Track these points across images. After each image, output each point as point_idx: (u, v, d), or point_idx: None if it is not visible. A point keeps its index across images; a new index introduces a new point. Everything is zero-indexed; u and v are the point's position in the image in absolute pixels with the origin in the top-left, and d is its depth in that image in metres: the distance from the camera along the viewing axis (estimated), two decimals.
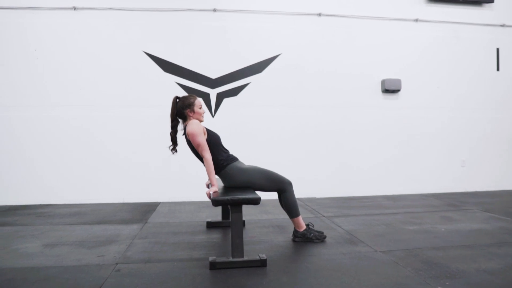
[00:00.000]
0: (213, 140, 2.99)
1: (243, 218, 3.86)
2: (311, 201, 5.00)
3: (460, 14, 5.66)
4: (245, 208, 4.52)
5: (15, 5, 4.83)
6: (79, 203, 4.88)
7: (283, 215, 4.26)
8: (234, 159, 3.08)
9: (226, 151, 3.10)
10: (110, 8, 5.00)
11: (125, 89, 5.05)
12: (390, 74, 5.47)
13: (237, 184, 3.00)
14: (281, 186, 3.06)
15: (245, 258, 2.55)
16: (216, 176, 3.03)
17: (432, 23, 5.56)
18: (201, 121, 3.05)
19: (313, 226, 3.24)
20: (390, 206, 4.66)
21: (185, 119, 3.04)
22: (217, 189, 2.85)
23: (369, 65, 5.47)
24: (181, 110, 3.01)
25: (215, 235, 3.41)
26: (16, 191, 4.88)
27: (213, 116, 5.26)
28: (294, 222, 3.16)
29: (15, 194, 4.86)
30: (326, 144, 5.41)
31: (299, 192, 5.23)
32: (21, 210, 4.55)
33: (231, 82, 5.29)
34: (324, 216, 4.11)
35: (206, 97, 5.24)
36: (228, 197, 2.55)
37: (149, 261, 2.67)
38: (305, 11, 5.35)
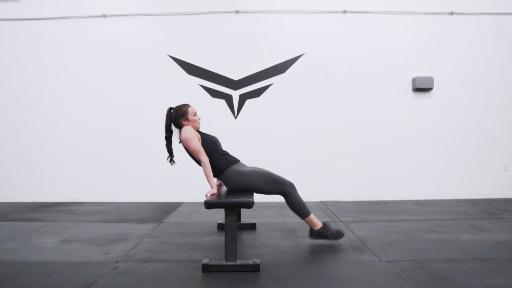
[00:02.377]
0: (208, 144, 2.97)
1: (255, 221, 3.87)
2: (334, 205, 4.83)
3: (503, 3, 5.18)
4: (262, 210, 4.50)
5: (51, 15, 5.19)
6: (107, 201, 5.12)
7: (299, 218, 4.16)
8: (234, 161, 3.05)
9: (225, 154, 3.07)
10: (137, 14, 5.20)
11: (151, 92, 5.22)
12: (422, 72, 5.14)
13: (237, 187, 2.97)
14: (282, 189, 2.96)
15: (238, 262, 2.52)
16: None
17: (469, 15, 5.14)
18: (197, 127, 3.06)
19: (330, 225, 3.11)
20: (416, 212, 4.38)
21: (181, 128, 3.03)
22: (215, 192, 2.85)
23: (398, 63, 5.19)
24: (176, 120, 3.02)
25: (223, 237, 3.38)
26: (52, 189, 5.23)
27: (235, 118, 5.27)
28: (307, 223, 3.05)
29: (50, 192, 5.22)
30: (353, 146, 5.21)
31: (324, 194, 5.13)
32: (54, 207, 4.86)
33: (254, 83, 5.27)
34: (340, 221, 3.95)
35: (228, 98, 5.27)
36: (221, 200, 2.54)
37: (147, 261, 2.73)
38: (329, 8, 5.19)
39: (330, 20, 5.21)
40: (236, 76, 5.26)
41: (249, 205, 2.53)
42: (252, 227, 3.72)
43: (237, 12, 5.22)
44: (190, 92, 5.18)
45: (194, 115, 3.05)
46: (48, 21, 5.19)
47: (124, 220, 4.08)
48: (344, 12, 5.19)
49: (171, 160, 3.09)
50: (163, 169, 5.16)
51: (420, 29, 5.19)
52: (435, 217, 4.09)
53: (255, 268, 2.48)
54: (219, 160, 2.98)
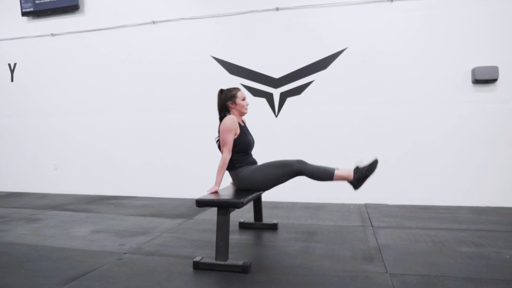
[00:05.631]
0: (242, 142, 2.99)
1: (285, 221, 3.83)
2: (376, 208, 4.50)
3: None
4: (296, 211, 4.39)
5: (110, 25, 5.73)
6: (155, 196, 5.47)
7: (328, 221, 3.97)
8: (251, 163, 3.03)
9: (248, 155, 3.07)
10: (182, 19, 5.45)
11: (197, 92, 5.43)
12: (483, 61, 4.50)
13: (248, 186, 2.95)
14: (293, 169, 2.80)
15: (228, 262, 2.49)
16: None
17: None
18: (243, 113, 3.11)
19: (361, 163, 2.81)
20: (466, 220, 3.85)
21: (228, 111, 3.10)
22: (217, 189, 2.86)
23: (454, 52, 4.61)
24: (224, 102, 3.08)
25: (237, 236, 3.40)
26: (112, 183, 5.78)
27: (276, 116, 5.21)
28: (340, 180, 2.80)
29: (110, 186, 5.77)
30: (402, 146, 4.78)
31: (368, 197, 4.81)
32: (108, 200, 5.35)
33: (295, 81, 5.15)
34: (371, 226, 3.67)
35: (269, 97, 5.23)
36: (211, 199, 2.54)
37: (152, 254, 2.85)
38: None
39: (375, 10, 4.85)
40: (276, 74, 5.20)
41: (238, 205, 2.49)
42: (273, 227, 3.64)
43: (277, 9, 5.15)
44: None
45: (243, 100, 3.08)
46: (107, 31, 5.73)
47: (159, 215, 4.31)
48: (391, 0, 4.78)
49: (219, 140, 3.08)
50: (207, 167, 5.39)
51: (480, 12, 4.54)
52: (485, 227, 3.55)
53: (243, 269, 2.43)
54: (238, 157, 2.99)
